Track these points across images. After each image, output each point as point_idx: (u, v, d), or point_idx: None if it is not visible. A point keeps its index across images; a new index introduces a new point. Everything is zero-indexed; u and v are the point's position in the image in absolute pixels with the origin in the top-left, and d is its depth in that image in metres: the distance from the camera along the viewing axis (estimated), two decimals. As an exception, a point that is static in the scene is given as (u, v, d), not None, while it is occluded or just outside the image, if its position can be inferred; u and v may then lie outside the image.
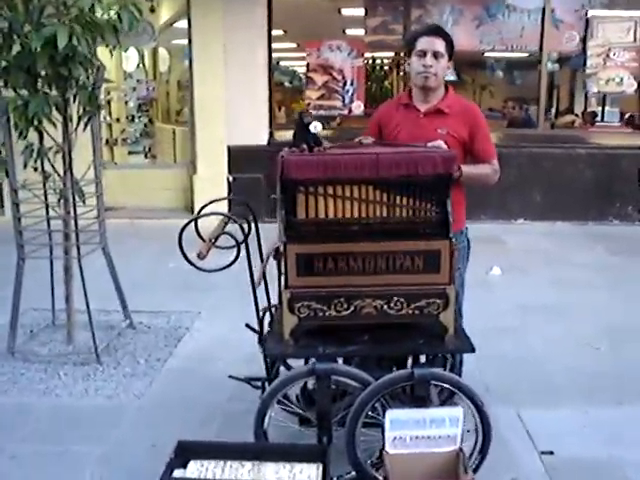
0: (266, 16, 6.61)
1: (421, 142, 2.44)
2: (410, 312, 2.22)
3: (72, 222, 3.48)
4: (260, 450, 2.17)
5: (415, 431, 2.13)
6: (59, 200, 3.47)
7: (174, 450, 2.04)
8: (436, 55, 2.52)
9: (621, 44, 6.59)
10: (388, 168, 2.12)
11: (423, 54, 2.52)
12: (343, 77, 6.87)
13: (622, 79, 6.62)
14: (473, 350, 2.25)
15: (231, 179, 6.82)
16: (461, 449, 2.17)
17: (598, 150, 6.73)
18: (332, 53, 6.81)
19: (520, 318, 4.05)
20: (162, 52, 9.16)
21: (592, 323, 3.97)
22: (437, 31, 2.56)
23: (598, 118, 10.30)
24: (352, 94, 6.91)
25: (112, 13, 3.25)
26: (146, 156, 7.77)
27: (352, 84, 6.89)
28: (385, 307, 2.22)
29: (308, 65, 6.92)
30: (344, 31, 7.72)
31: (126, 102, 8.07)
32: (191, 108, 6.77)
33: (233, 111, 6.64)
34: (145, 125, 8.23)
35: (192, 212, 6.92)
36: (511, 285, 4.63)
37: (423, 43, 2.53)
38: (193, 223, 2.47)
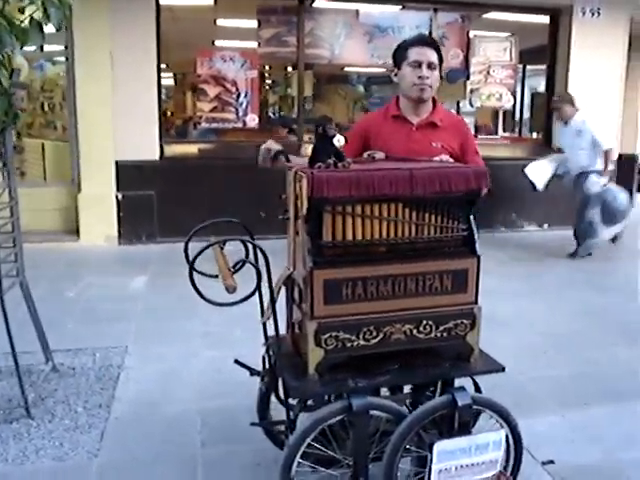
0: (154, 23, 6.19)
1: (417, 156, 2.36)
2: (439, 335, 2.12)
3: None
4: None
5: (460, 460, 2.03)
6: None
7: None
8: (430, 66, 2.45)
9: (499, 62, 7.06)
10: (422, 185, 1.99)
11: (418, 65, 2.44)
12: (237, 89, 6.64)
13: (501, 95, 7.08)
14: (503, 369, 2.19)
15: (120, 197, 6.31)
16: (501, 472, 2.10)
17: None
18: (225, 64, 6.55)
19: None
20: (18, 58, 8.28)
21: (531, 330, 4.12)
22: (429, 42, 2.50)
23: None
24: (246, 107, 6.70)
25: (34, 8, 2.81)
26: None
27: (246, 96, 6.68)
28: (414, 331, 2.10)
29: (199, 76, 6.60)
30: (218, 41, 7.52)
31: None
32: (73, 121, 6.15)
33: (121, 124, 6.14)
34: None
35: (77, 234, 6.29)
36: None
37: (417, 54, 2.45)
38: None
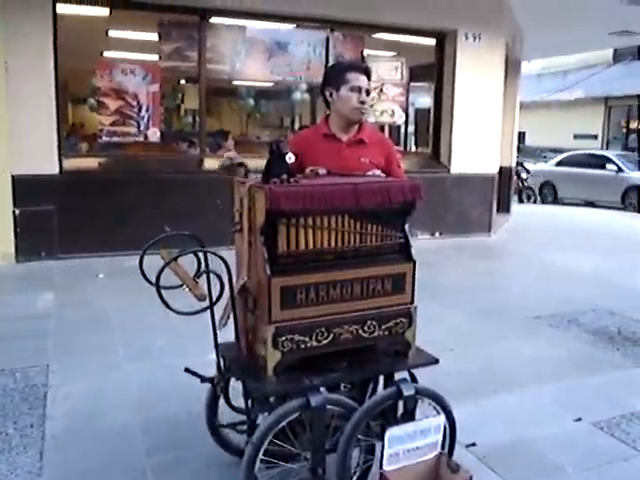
0: (52, 32, 6.02)
1: (349, 171, 2.58)
2: (381, 333, 2.35)
3: None
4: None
5: (407, 444, 2.25)
6: None
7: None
8: (367, 92, 2.68)
9: (391, 81, 7.51)
10: (366, 197, 2.22)
11: (359, 90, 2.65)
12: (138, 102, 6.59)
13: (394, 111, 7.53)
14: (437, 361, 2.45)
15: (18, 212, 6.06)
16: (442, 453, 2.35)
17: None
18: (126, 77, 6.49)
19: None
20: None
21: (435, 328, 4.46)
22: (366, 69, 2.72)
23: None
24: (148, 120, 6.67)
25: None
26: None
27: (148, 110, 6.64)
28: (360, 331, 2.31)
29: (99, 88, 6.48)
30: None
31: None
32: (-36, 133, 5.84)
33: (18, 138, 5.90)
34: None
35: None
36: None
37: (357, 79, 2.65)
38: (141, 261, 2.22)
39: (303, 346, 2.21)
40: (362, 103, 2.64)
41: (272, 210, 2.09)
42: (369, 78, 2.70)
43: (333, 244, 2.22)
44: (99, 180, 6.49)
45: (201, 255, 2.28)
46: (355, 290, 2.27)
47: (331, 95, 2.72)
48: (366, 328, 2.31)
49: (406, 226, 2.37)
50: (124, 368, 3.71)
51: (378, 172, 2.59)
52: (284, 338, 2.17)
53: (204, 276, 2.19)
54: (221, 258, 2.12)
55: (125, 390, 3.42)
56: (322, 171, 2.48)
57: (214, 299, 2.13)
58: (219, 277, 2.10)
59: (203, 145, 7.31)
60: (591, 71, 21.70)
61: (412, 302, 2.39)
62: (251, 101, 11.26)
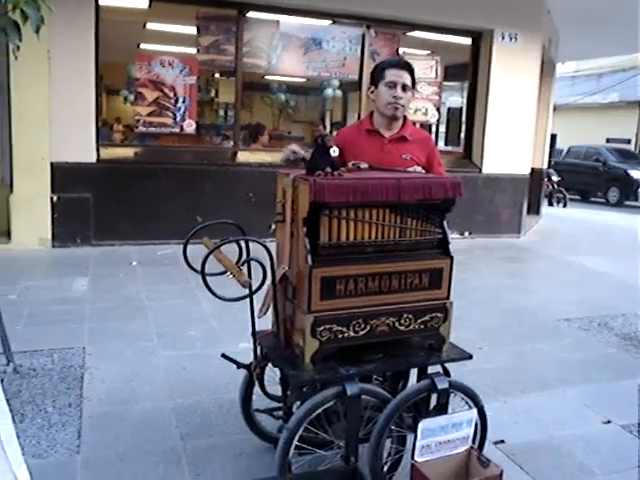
0: (93, 24, 6.14)
1: (390, 166, 2.61)
2: (417, 327, 2.38)
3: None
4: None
5: (440, 437, 2.28)
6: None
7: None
8: (404, 87, 2.69)
9: (426, 79, 7.50)
10: (408, 192, 2.25)
11: (393, 85, 2.68)
12: (175, 94, 6.69)
13: (427, 110, 7.52)
14: (470, 357, 2.48)
15: (55, 199, 6.20)
16: (472, 447, 2.38)
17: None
18: (164, 69, 6.59)
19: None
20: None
21: (468, 328, 4.48)
22: (405, 65, 2.74)
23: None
24: (184, 112, 6.76)
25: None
26: None
27: (184, 102, 6.74)
28: (396, 324, 2.34)
29: (138, 79, 6.60)
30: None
31: None
32: (7, 120, 5.98)
33: (58, 126, 6.04)
34: None
35: (8, 236, 6.12)
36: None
37: (393, 75, 2.68)
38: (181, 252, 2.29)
39: (340, 336, 2.25)
40: (395, 98, 2.66)
41: (316, 202, 2.13)
42: (411, 74, 2.71)
43: (373, 237, 2.26)
44: (135, 169, 6.61)
45: (242, 243, 2.34)
46: (393, 283, 2.31)
47: (372, 92, 2.76)
48: (402, 321, 2.34)
49: (445, 222, 2.40)
50: (158, 355, 3.79)
51: (419, 169, 2.63)
52: (322, 328, 2.21)
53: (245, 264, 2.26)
54: (265, 247, 2.17)
55: (159, 376, 3.50)
56: (364, 165, 2.52)
57: (256, 287, 2.18)
58: (262, 265, 2.15)
59: (237, 138, 7.40)
60: (626, 75, 21.35)
61: (448, 297, 2.42)
62: (284, 96, 11.32)
